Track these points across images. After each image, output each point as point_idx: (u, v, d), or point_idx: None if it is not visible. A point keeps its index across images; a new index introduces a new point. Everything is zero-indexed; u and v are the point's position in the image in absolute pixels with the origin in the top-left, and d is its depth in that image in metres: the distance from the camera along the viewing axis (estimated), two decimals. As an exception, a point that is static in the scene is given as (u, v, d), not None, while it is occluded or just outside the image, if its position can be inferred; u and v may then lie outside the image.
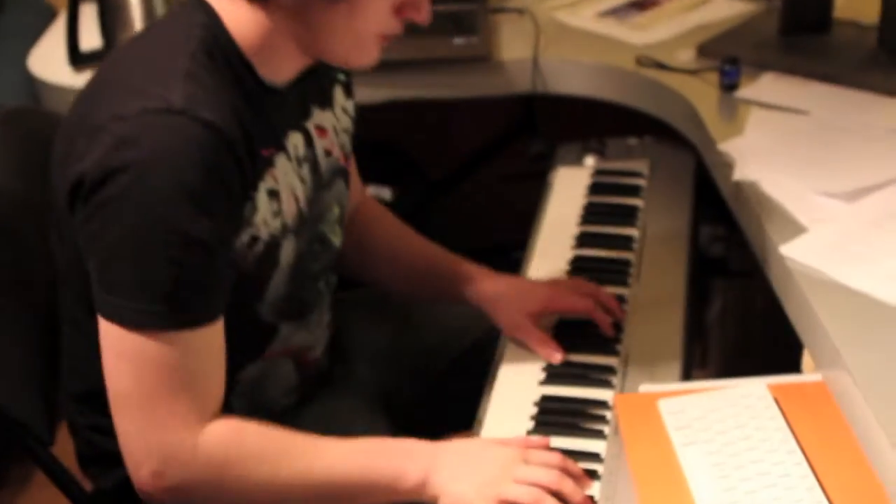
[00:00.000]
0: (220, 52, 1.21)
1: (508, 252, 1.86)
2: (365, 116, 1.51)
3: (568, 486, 1.20)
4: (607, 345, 1.45)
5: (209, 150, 1.14)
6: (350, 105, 1.47)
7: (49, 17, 2.61)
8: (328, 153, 1.38)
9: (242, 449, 1.19)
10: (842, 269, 1.29)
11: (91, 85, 1.28)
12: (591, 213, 1.75)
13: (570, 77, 1.93)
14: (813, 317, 1.24)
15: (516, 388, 1.40)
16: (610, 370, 1.41)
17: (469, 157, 2.50)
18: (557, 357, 1.41)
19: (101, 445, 1.39)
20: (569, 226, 1.73)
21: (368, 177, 1.67)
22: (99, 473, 1.42)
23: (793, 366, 1.37)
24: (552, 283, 1.53)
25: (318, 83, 1.37)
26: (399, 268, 1.56)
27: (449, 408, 1.59)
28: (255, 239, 1.25)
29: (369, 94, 1.92)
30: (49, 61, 2.05)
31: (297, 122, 1.33)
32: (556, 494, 1.19)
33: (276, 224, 1.28)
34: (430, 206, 2.43)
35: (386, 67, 1.89)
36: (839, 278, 1.28)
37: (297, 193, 1.31)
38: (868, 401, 1.11)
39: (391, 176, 2.34)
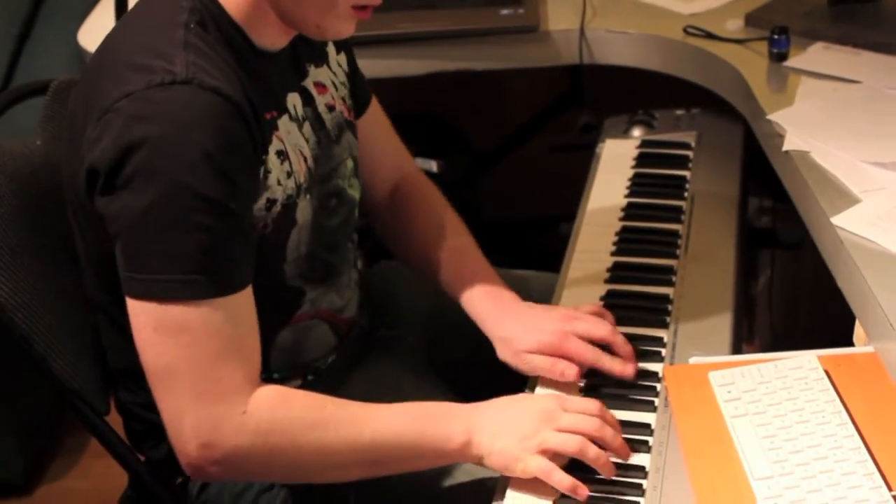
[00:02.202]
0: (211, 21, 1.21)
1: (556, 223, 1.85)
2: (410, 88, 1.50)
3: (608, 433, 1.20)
4: (656, 316, 1.43)
5: (221, 115, 1.15)
6: (342, 58, 1.46)
7: (98, -9, 2.63)
8: (331, 108, 1.39)
9: (291, 414, 1.19)
10: (894, 239, 1.27)
11: (90, 69, 1.28)
12: (639, 185, 1.74)
13: (618, 47, 1.91)
14: (865, 288, 1.22)
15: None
16: (659, 341, 1.39)
17: (516, 129, 2.48)
18: (570, 375, 1.31)
19: (151, 420, 1.39)
20: (616, 197, 1.71)
21: (415, 149, 1.66)
22: (150, 447, 1.43)
23: (842, 339, 1.35)
24: (563, 327, 1.34)
25: (310, 42, 1.36)
26: (428, 266, 1.49)
27: (492, 371, 1.59)
28: (271, 201, 1.26)
29: (416, 66, 1.92)
30: (99, 35, 2.03)
31: (295, 82, 1.34)
32: (596, 442, 1.19)
33: (290, 184, 1.28)
34: (476, 178, 2.42)
35: (432, 39, 1.92)
36: (892, 248, 1.26)
37: (303, 152, 1.32)
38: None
39: (437, 148, 2.34)
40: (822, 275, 1.43)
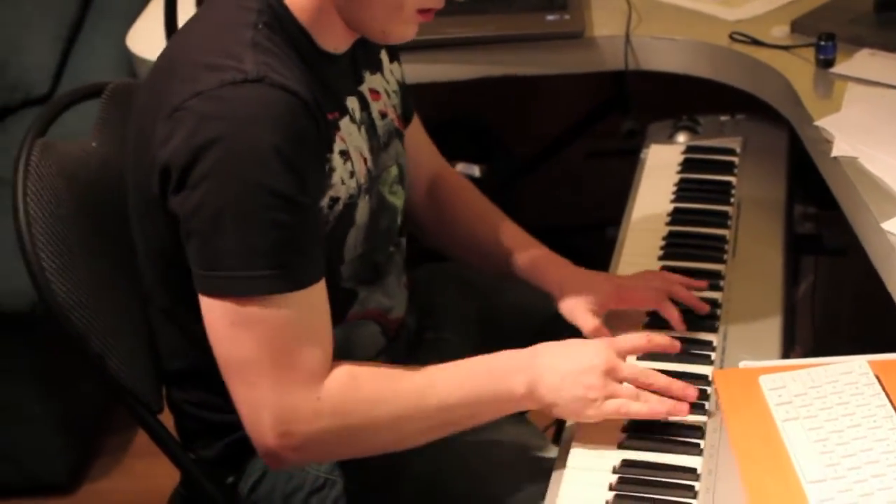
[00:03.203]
0: (278, 23, 1.23)
1: (598, 228, 1.87)
2: (452, 93, 1.52)
3: (661, 381, 1.27)
4: (706, 320, 1.45)
5: (291, 113, 1.16)
6: (396, 67, 1.49)
7: (142, -5, 2.66)
8: (383, 115, 1.41)
9: (360, 393, 1.22)
10: (946, 246, 1.28)
11: (158, 69, 1.29)
12: (685, 190, 1.75)
13: (663, 53, 1.91)
14: (918, 293, 1.23)
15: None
16: (709, 345, 1.41)
17: (560, 134, 2.50)
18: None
19: (206, 419, 1.43)
20: (662, 202, 1.73)
21: (457, 154, 1.68)
22: (203, 446, 1.44)
23: (886, 346, 1.35)
24: (621, 279, 1.50)
25: (366, 49, 1.38)
26: (476, 246, 1.56)
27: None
28: (334, 200, 1.28)
29: (463, 70, 1.94)
30: (147, 39, 2.08)
31: (353, 87, 1.36)
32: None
33: (352, 184, 1.31)
34: (518, 183, 2.43)
35: (479, 44, 1.93)
36: (944, 255, 1.27)
37: (363, 154, 1.34)
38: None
39: (479, 153, 2.35)
40: (866, 281, 1.44)
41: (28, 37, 2.44)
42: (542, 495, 1.24)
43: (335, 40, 1.28)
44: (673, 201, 1.73)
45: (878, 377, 1.26)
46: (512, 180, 2.40)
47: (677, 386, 1.27)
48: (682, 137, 1.91)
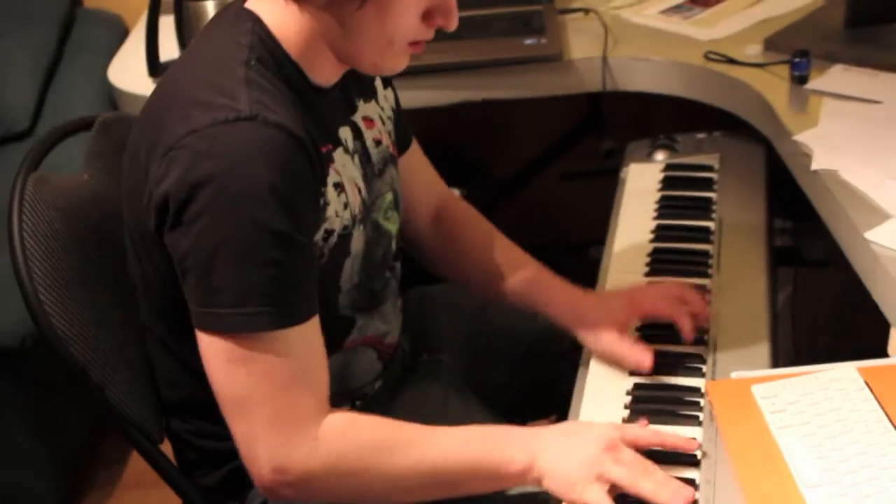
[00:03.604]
0: (270, 58, 1.23)
1: (583, 248, 1.89)
2: (431, 119, 1.54)
3: (660, 477, 1.21)
4: (695, 334, 1.46)
5: (284, 150, 1.16)
6: (389, 93, 1.50)
7: (119, 29, 2.68)
8: (378, 142, 1.41)
9: (359, 438, 1.22)
10: (928, 253, 1.31)
11: (153, 103, 1.28)
12: (666, 207, 1.78)
13: (640, 74, 1.95)
14: (904, 300, 1.26)
15: (608, 378, 1.42)
16: (699, 358, 1.43)
17: (537, 156, 2.52)
18: (646, 364, 1.38)
19: (204, 448, 1.43)
20: (645, 219, 1.75)
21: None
22: (203, 475, 1.45)
23: (866, 353, 1.37)
24: (634, 291, 1.50)
25: (358, 78, 1.39)
26: (487, 277, 1.55)
27: (529, 392, 1.62)
28: (328, 232, 1.28)
29: (443, 96, 1.96)
30: (128, 72, 2.10)
31: (346, 117, 1.36)
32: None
33: (346, 215, 1.31)
34: (498, 205, 2.45)
35: (459, 70, 1.96)
36: (926, 262, 1.30)
37: (357, 183, 1.35)
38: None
39: (458, 177, 2.37)
40: (842, 290, 1.46)
41: (8, 73, 2.44)
42: None
43: (326, 73, 1.29)
44: (655, 218, 1.75)
45: (867, 383, 1.29)
46: (491, 203, 2.42)
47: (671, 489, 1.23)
48: (660, 156, 1.94)
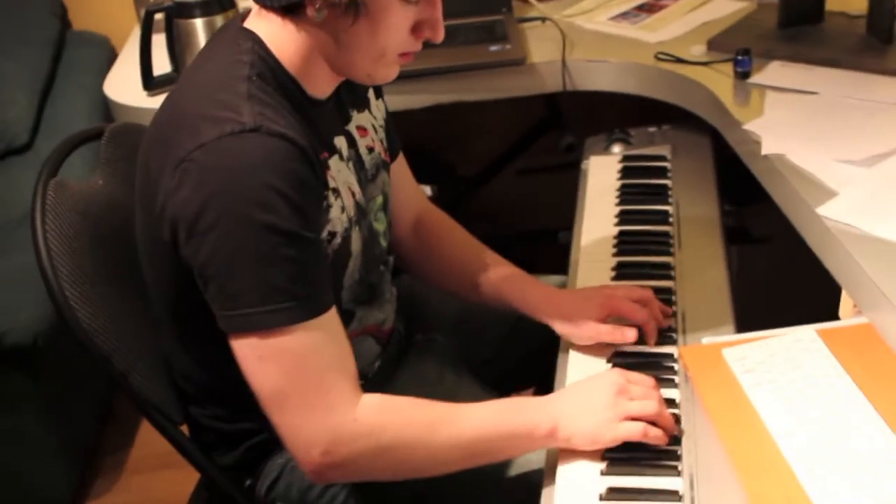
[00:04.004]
0: (270, 74, 1.22)
1: (553, 234, 1.89)
2: (399, 122, 1.53)
3: (664, 408, 1.25)
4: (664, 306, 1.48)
5: (289, 158, 1.14)
6: (380, 103, 1.49)
7: (106, 48, 2.65)
8: (371, 149, 1.41)
9: (398, 417, 1.21)
10: (874, 223, 1.33)
11: (161, 119, 1.26)
12: (627, 194, 1.79)
13: (597, 75, 1.95)
14: (856, 267, 1.27)
15: (589, 349, 1.42)
16: (670, 329, 1.44)
17: (500, 154, 2.53)
18: (631, 336, 1.39)
19: (221, 430, 1.42)
20: (608, 206, 1.76)
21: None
22: (220, 455, 1.43)
23: (807, 319, 1.38)
24: (608, 291, 1.45)
25: (351, 89, 1.39)
26: (466, 281, 1.53)
27: (514, 366, 1.62)
28: (331, 234, 1.28)
29: (418, 100, 1.96)
30: (122, 87, 2.07)
31: (340, 126, 1.36)
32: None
33: (344, 218, 1.30)
34: (466, 200, 2.46)
35: (430, 75, 1.96)
36: (873, 232, 1.32)
37: (352, 188, 1.34)
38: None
39: (426, 175, 2.37)
40: (786, 264, 1.48)
41: (7, 92, 2.40)
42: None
43: (322, 86, 1.28)
44: (618, 204, 1.76)
45: (825, 343, 1.31)
46: (460, 198, 2.43)
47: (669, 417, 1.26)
48: (617, 148, 1.95)
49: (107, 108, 2.43)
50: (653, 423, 1.23)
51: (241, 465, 1.42)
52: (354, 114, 1.39)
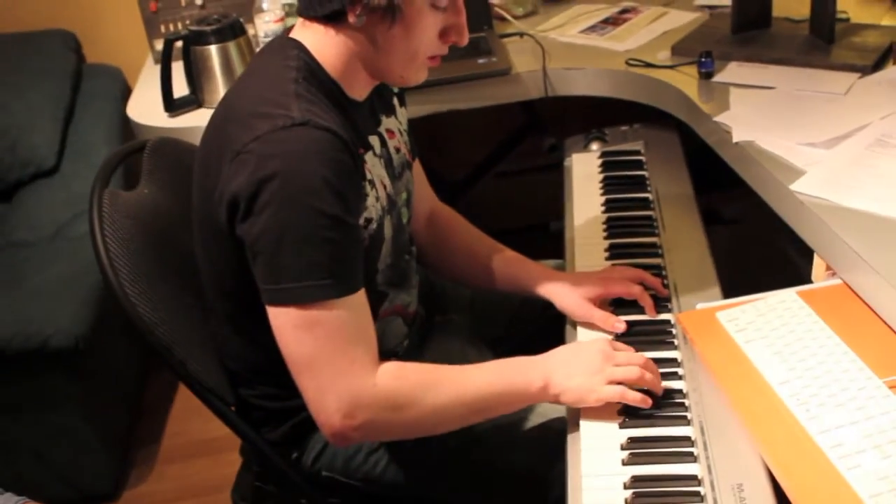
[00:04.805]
0: (314, 77, 1.25)
1: (544, 226, 1.92)
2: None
3: (652, 365, 1.28)
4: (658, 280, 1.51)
5: (334, 149, 1.17)
6: (403, 111, 1.52)
7: (119, 78, 2.65)
8: (398, 150, 1.44)
9: (408, 381, 1.24)
10: (842, 195, 1.38)
11: (217, 120, 1.29)
12: (610, 185, 1.82)
13: (575, 81, 1.99)
14: (830, 234, 1.31)
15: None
16: (665, 299, 1.47)
17: (484, 158, 2.55)
18: (621, 327, 1.40)
19: (268, 408, 1.43)
20: (594, 196, 1.79)
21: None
22: (268, 431, 1.44)
23: (772, 286, 1.42)
24: (605, 273, 1.49)
25: (381, 96, 1.42)
26: (476, 268, 1.56)
27: (524, 342, 1.64)
28: (367, 220, 1.30)
29: (415, 110, 1.97)
30: (144, 110, 2.06)
31: (374, 128, 1.38)
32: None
33: (378, 207, 1.33)
34: (455, 203, 2.47)
35: (426, 87, 1.96)
36: (842, 203, 1.36)
37: (384, 182, 1.36)
38: (896, 286, 1.19)
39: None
40: (751, 242, 1.50)
41: (33, 120, 2.39)
42: (555, 453, 1.28)
43: (359, 89, 1.31)
44: (603, 194, 1.79)
45: (806, 303, 1.35)
46: (449, 203, 2.44)
47: (657, 374, 1.28)
48: (595, 146, 1.98)
49: (124, 131, 2.45)
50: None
51: (287, 439, 1.43)
52: (384, 118, 1.42)
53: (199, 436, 2.36)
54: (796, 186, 1.42)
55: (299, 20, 1.29)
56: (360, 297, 1.22)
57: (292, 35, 1.28)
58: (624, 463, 1.19)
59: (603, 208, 1.75)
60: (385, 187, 1.36)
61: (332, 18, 1.23)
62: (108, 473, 2.22)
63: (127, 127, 2.11)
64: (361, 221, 1.28)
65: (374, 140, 1.36)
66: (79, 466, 2.15)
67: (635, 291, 1.44)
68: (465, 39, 1.28)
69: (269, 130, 1.16)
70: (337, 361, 1.19)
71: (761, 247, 1.84)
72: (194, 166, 1.31)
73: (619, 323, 1.40)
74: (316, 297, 1.17)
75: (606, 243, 1.64)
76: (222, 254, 1.28)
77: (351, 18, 1.21)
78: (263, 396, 1.42)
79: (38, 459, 2.12)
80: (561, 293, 1.47)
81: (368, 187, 1.30)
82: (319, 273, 1.16)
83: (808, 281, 1.43)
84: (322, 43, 1.26)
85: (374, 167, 1.34)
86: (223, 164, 1.19)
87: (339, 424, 1.21)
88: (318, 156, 1.16)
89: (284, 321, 1.19)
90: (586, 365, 1.26)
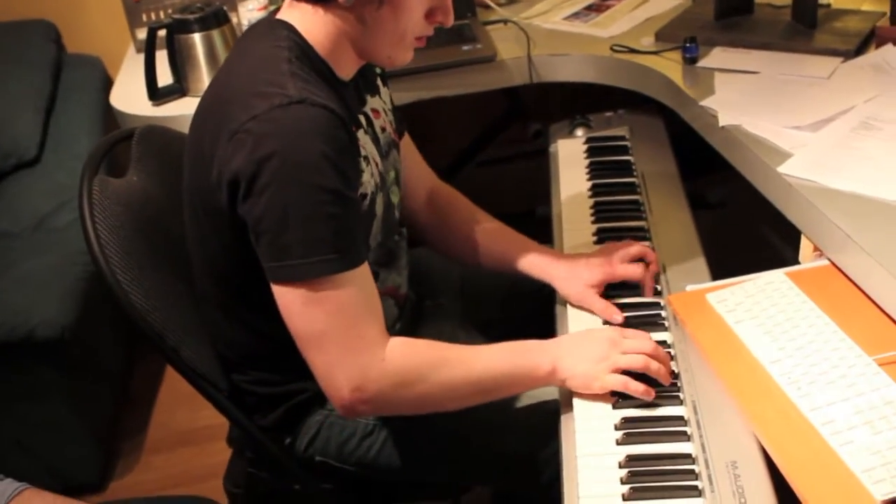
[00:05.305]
0: (305, 57, 1.25)
1: (530, 212, 1.93)
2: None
3: (661, 352, 1.28)
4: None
5: (331, 125, 1.18)
6: (386, 91, 1.52)
7: (99, 68, 2.63)
8: (383, 129, 1.44)
9: (418, 358, 1.24)
10: (829, 177, 1.39)
11: (208, 103, 1.28)
12: (596, 170, 1.82)
13: (560, 67, 1.99)
14: (819, 215, 1.32)
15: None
16: (656, 280, 1.48)
17: (469, 145, 2.55)
18: (618, 318, 1.39)
19: (260, 394, 1.43)
20: (581, 181, 1.80)
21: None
22: (261, 417, 1.44)
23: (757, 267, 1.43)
24: (607, 256, 1.46)
25: (365, 76, 1.42)
26: (474, 247, 1.56)
27: (517, 324, 1.65)
28: (363, 195, 1.30)
29: (401, 97, 1.96)
30: (128, 99, 2.05)
31: (359, 108, 1.38)
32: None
33: (371, 183, 1.33)
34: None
35: (411, 74, 1.97)
36: (830, 185, 1.37)
37: (375, 159, 1.37)
38: (884, 265, 1.20)
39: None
40: (736, 227, 1.51)
41: (14, 111, 2.37)
42: (549, 434, 1.29)
43: (347, 68, 1.31)
44: (589, 179, 1.80)
45: (793, 282, 1.36)
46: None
47: (666, 361, 1.28)
48: (580, 132, 1.99)
49: (105, 122, 2.42)
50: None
51: (280, 425, 1.43)
52: (368, 98, 1.42)
53: (186, 425, 2.36)
54: (784, 169, 1.43)
55: (286, 1, 1.29)
56: (365, 270, 1.23)
57: (279, 16, 1.28)
58: (618, 443, 1.20)
59: (589, 193, 1.76)
60: (377, 164, 1.37)
61: None
62: (93, 464, 2.21)
63: (108, 117, 2.11)
64: (358, 196, 1.28)
65: (362, 118, 1.37)
66: (64, 457, 2.14)
67: (638, 273, 1.44)
68: (450, 20, 1.29)
69: (266, 109, 1.16)
70: (346, 336, 1.20)
71: (744, 230, 1.86)
72: (185, 150, 1.30)
73: (618, 315, 1.40)
74: (322, 272, 1.17)
75: (594, 227, 1.65)
76: (217, 236, 1.27)
77: None
78: (256, 382, 1.42)
79: (24, 450, 2.11)
80: (563, 279, 1.47)
81: (364, 163, 1.31)
82: (324, 248, 1.17)
83: (793, 262, 1.45)
84: (311, 23, 1.26)
85: (366, 145, 1.34)
86: (219, 145, 1.19)
87: (348, 398, 1.21)
88: (317, 133, 1.16)
89: (291, 298, 1.19)
90: (593, 352, 1.27)
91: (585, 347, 1.27)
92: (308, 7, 1.25)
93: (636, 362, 1.25)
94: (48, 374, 2.06)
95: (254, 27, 1.33)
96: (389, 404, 1.25)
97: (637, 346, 1.27)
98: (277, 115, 1.16)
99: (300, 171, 1.15)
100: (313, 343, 1.20)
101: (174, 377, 1.34)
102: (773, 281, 1.38)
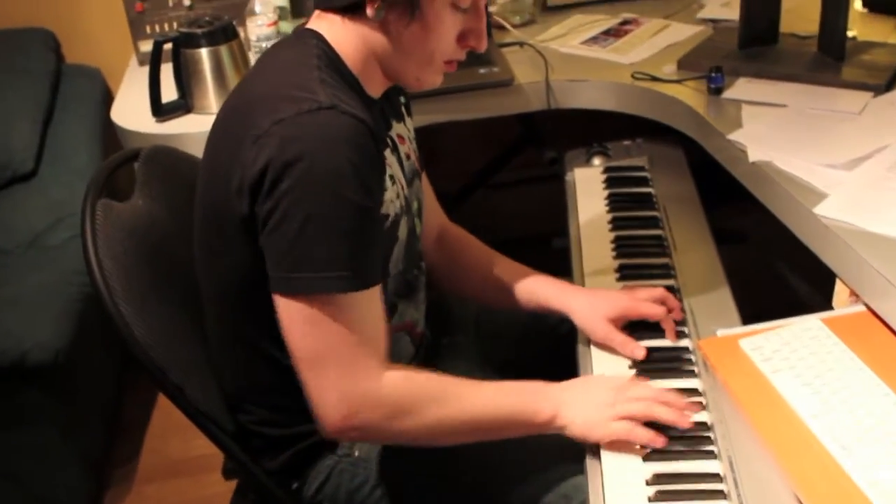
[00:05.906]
0: (335, 68, 1.21)
1: (545, 240, 1.87)
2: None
3: (670, 396, 1.23)
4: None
5: (360, 135, 1.13)
6: (410, 120, 1.47)
7: (98, 80, 2.56)
8: (408, 157, 1.39)
9: (414, 390, 1.19)
10: (867, 220, 1.33)
11: (232, 108, 1.24)
12: (615, 202, 1.77)
13: (579, 93, 1.93)
14: (858, 259, 1.27)
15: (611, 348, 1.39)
16: (681, 323, 1.42)
17: (482, 169, 2.49)
18: (640, 354, 1.34)
19: (269, 435, 1.36)
20: (600, 213, 1.74)
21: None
22: (269, 460, 1.37)
23: (780, 314, 1.38)
24: (628, 293, 1.42)
25: (391, 101, 1.37)
26: (489, 286, 1.50)
27: (533, 363, 1.59)
28: (385, 216, 1.25)
29: (421, 119, 1.91)
30: (130, 114, 1.98)
31: (385, 130, 1.34)
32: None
33: (397, 204, 1.28)
34: (451, 215, 2.42)
35: (426, 96, 1.92)
36: (867, 227, 1.32)
37: (401, 181, 1.32)
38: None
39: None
40: (760, 263, 1.46)
41: (11, 122, 2.30)
42: (573, 489, 1.24)
43: (375, 86, 1.27)
44: (609, 211, 1.74)
45: (831, 330, 1.30)
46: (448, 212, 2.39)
47: (678, 405, 1.24)
48: (597, 161, 1.94)
49: (104, 136, 2.36)
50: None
51: (287, 468, 1.36)
52: (394, 123, 1.37)
53: (179, 454, 2.28)
54: (820, 210, 1.37)
55: (315, 12, 1.25)
56: (375, 294, 1.17)
57: (309, 25, 1.25)
58: (651, 500, 1.13)
59: (610, 226, 1.70)
60: (402, 187, 1.32)
61: (350, 10, 1.19)
62: (84, 493, 2.12)
63: (108, 131, 2.04)
64: (381, 214, 1.23)
65: (388, 140, 1.32)
66: (54, 486, 2.06)
67: (659, 313, 1.39)
68: (483, 45, 1.24)
69: (294, 113, 1.11)
70: (344, 360, 1.15)
71: (763, 264, 1.80)
72: (200, 165, 1.25)
73: (639, 349, 1.34)
74: (333, 289, 1.12)
75: (616, 263, 1.59)
76: (229, 255, 1.21)
77: (369, 11, 1.17)
78: (263, 423, 1.35)
79: (13, 479, 2.03)
80: (581, 310, 1.41)
81: (389, 182, 1.26)
82: (339, 264, 1.12)
83: (813, 297, 1.39)
84: (340, 35, 1.22)
85: (392, 165, 1.29)
86: (242, 150, 1.14)
87: (338, 424, 1.17)
88: (345, 140, 1.11)
89: (295, 313, 1.14)
90: (597, 399, 1.22)
91: (589, 394, 1.23)
92: (337, 18, 1.21)
93: (640, 409, 1.20)
94: (39, 399, 1.99)
95: (280, 40, 1.29)
96: (380, 434, 1.20)
97: (642, 392, 1.22)
98: (305, 120, 1.11)
99: (325, 180, 1.10)
100: (309, 363, 1.15)
101: (167, 404, 1.27)
102: (809, 328, 1.32)
